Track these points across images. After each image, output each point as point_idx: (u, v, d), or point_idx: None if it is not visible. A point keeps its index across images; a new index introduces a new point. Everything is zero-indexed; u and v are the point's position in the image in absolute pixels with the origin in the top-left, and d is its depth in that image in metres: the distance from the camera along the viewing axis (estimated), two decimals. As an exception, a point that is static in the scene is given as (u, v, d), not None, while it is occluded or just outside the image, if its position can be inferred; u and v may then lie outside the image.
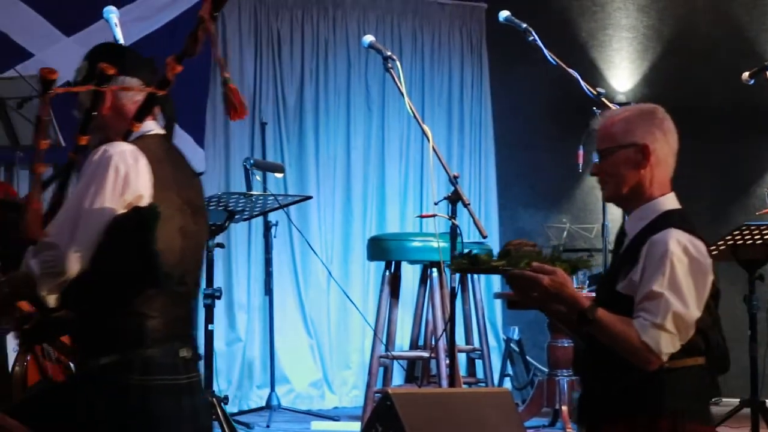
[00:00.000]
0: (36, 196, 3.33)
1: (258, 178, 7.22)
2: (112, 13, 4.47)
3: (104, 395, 3.35)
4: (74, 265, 3.28)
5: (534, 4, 8.26)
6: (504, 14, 5.82)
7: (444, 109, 9.11)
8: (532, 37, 5.71)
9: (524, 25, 5.75)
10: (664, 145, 3.46)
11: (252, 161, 7.19)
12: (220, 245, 6.41)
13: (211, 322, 6.21)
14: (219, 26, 8.28)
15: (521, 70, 8.81)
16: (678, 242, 3.33)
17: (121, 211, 3.29)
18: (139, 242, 3.29)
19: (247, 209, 6.38)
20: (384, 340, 6.80)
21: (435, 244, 6.38)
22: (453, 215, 5.14)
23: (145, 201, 3.33)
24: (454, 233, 5.09)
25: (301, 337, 8.46)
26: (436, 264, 6.66)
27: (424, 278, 7.07)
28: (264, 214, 7.05)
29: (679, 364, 3.35)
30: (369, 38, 5.64)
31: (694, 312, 3.32)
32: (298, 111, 8.62)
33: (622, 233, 3.61)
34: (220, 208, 6.19)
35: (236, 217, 6.32)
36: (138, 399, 3.34)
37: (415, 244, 6.91)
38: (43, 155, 3.38)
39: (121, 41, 4.42)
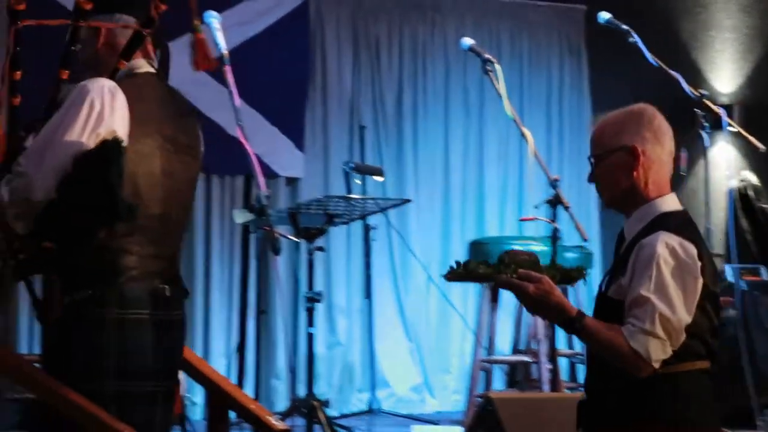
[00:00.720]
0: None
1: (357, 181, 7.23)
2: (213, 17, 4.48)
3: (80, 329, 3.39)
4: (38, 192, 3.29)
5: (634, 4, 8.17)
6: (605, 16, 5.76)
7: (543, 111, 9.05)
8: (632, 39, 5.65)
9: (624, 27, 5.69)
10: (656, 146, 3.42)
11: (352, 165, 7.20)
12: (320, 248, 6.43)
13: (312, 326, 6.23)
14: (317, 30, 8.32)
15: (621, 71, 8.71)
16: (666, 245, 3.29)
17: (91, 145, 3.31)
18: (101, 175, 3.30)
19: (347, 213, 6.39)
20: (485, 344, 6.76)
21: (535, 248, 6.34)
22: (553, 218, 5.11)
23: (119, 136, 3.35)
24: (554, 236, 5.06)
25: (400, 341, 8.45)
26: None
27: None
28: (363, 217, 7.06)
29: (676, 369, 3.30)
30: (468, 41, 5.62)
31: (683, 316, 3.27)
32: (397, 114, 8.62)
33: (621, 236, 3.55)
34: (320, 211, 6.20)
35: (336, 220, 6.33)
36: (113, 332, 3.38)
37: (516, 247, 6.87)
38: (16, 87, 3.41)
39: (223, 46, 4.43)
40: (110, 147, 3.34)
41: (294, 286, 8.07)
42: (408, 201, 7.35)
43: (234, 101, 4.31)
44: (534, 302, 3.32)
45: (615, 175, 3.44)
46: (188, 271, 7.88)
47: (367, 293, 7.85)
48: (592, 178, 3.51)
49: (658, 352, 3.24)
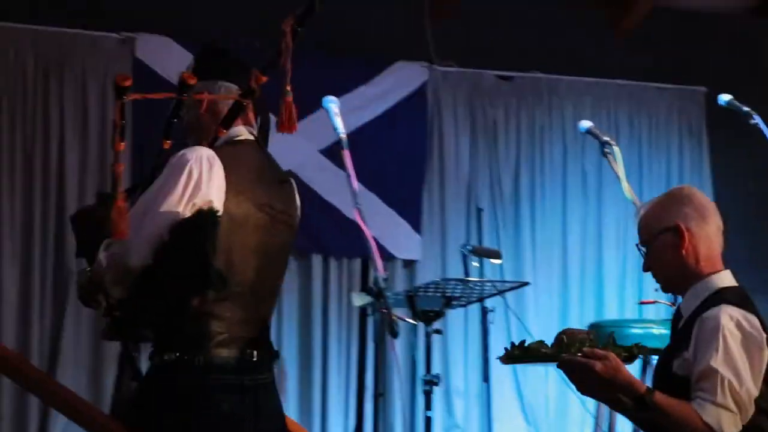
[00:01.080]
0: (120, 195, 3.41)
1: (475, 264, 7.20)
2: (331, 102, 4.54)
3: (167, 391, 3.45)
4: (135, 258, 3.37)
5: (756, 86, 8.08)
6: (725, 98, 5.69)
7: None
8: (754, 120, 5.58)
9: (746, 108, 5.62)
10: (699, 221, 3.45)
11: (469, 247, 7.18)
12: (438, 331, 6.40)
13: (429, 409, 6.19)
14: (434, 114, 8.36)
15: (743, 154, 8.58)
16: (730, 317, 3.27)
17: (188, 214, 3.37)
18: (195, 245, 3.36)
19: (465, 295, 6.36)
20: (605, 429, 6.65)
21: (656, 331, 6.24)
22: (674, 301, 5.02)
23: (215, 206, 3.41)
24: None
25: (519, 424, 8.35)
26: (656, 351, 6.50)
27: (645, 366, 6.91)
28: (481, 300, 7.02)
29: None
30: (586, 123, 5.60)
31: (752, 388, 3.23)
32: (514, 197, 8.60)
33: (678, 314, 3.53)
34: (438, 294, 6.19)
35: (453, 303, 6.31)
36: (199, 397, 3.42)
37: (635, 330, 6.76)
38: (119, 156, 3.47)
39: (341, 131, 4.48)
40: (205, 217, 3.40)
41: (411, 369, 8.04)
42: (526, 284, 7.29)
43: (352, 184, 4.35)
44: (602, 381, 3.23)
45: (665, 257, 3.46)
46: (306, 352, 7.91)
47: (485, 376, 7.77)
48: (645, 267, 3.53)
49: (730, 425, 3.20)
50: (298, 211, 3.76)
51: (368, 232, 4.25)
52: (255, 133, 3.72)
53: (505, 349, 3.72)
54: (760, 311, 3.43)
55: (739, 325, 3.27)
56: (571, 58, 8.69)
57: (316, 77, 7.80)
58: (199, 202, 3.43)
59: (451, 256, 8.27)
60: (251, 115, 3.73)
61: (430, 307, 6.18)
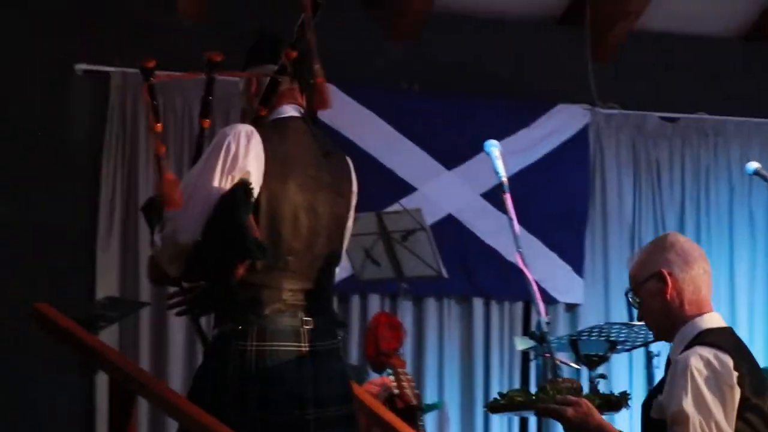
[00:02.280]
0: (166, 169, 3.62)
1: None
2: (493, 146, 4.52)
3: (225, 360, 3.58)
4: (184, 235, 3.52)
5: None
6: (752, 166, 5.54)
7: (833, 234, 8.70)
8: None
9: None
10: (683, 266, 3.53)
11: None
12: (602, 376, 6.30)
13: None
14: (596, 156, 8.29)
15: None
16: (700, 357, 3.32)
17: (227, 188, 3.54)
18: (232, 217, 3.50)
19: (629, 340, 6.26)
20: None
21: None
22: None
23: (253, 178, 3.57)
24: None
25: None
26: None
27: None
28: (646, 344, 6.89)
29: None
30: (753, 165, 5.48)
31: (725, 427, 3.26)
32: (679, 238, 8.44)
33: (668, 361, 3.51)
34: (602, 338, 6.10)
35: (618, 347, 6.21)
36: (254, 364, 3.55)
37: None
38: (160, 137, 3.80)
39: (503, 174, 4.46)
40: (238, 190, 3.54)
41: (574, 414, 7.93)
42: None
43: (514, 228, 4.32)
44: (573, 426, 3.36)
45: (652, 304, 3.53)
46: (468, 396, 7.88)
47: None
48: (639, 316, 3.61)
49: None
50: (353, 186, 3.90)
51: (530, 276, 4.22)
52: (302, 110, 3.84)
53: (494, 398, 3.78)
54: None
55: (708, 365, 3.31)
56: (738, 98, 8.54)
57: (477, 121, 7.83)
58: (237, 174, 3.58)
59: (614, 300, 8.17)
60: (298, 96, 3.87)
61: (593, 351, 6.09)
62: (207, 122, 3.95)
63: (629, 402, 3.74)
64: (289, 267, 3.67)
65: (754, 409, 3.33)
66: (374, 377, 6.12)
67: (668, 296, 3.51)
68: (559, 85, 8.26)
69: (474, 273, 7.85)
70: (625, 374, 8.19)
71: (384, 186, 7.66)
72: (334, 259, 3.86)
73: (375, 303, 7.68)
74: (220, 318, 3.69)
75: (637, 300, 3.59)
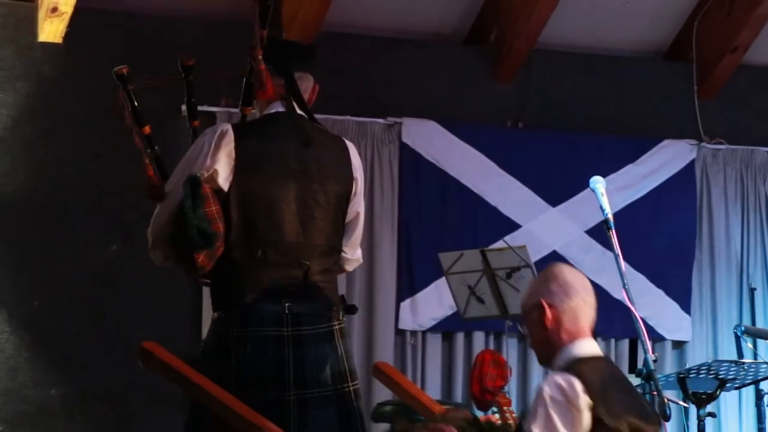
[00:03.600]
0: (149, 168, 4.04)
1: (749, 345, 6.99)
2: (598, 182, 4.50)
3: (215, 344, 3.87)
4: (154, 227, 3.90)
5: None
6: None
7: None
8: None
9: None
10: (563, 296, 3.70)
11: (742, 328, 6.98)
12: (711, 414, 6.23)
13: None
14: (703, 192, 8.19)
15: None
16: (554, 384, 3.52)
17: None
18: (182, 208, 3.78)
19: (739, 377, 6.18)
20: None
21: None
22: None
23: (221, 175, 3.84)
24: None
25: None
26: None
27: None
28: (756, 383, 6.79)
29: None
30: None
31: None
32: (791, 275, 8.32)
33: None
34: (711, 376, 6.03)
35: (727, 385, 6.13)
36: (234, 348, 3.80)
37: None
38: (152, 138, 4.14)
39: (608, 211, 4.43)
40: (184, 184, 3.80)
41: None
42: (804, 365, 7.00)
43: (619, 265, 4.29)
44: None
45: (534, 332, 3.74)
46: None
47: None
48: (529, 343, 3.85)
49: None
50: (352, 170, 4.04)
51: (636, 313, 4.19)
52: (293, 107, 4.04)
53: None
54: None
55: (559, 389, 3.50)
56: None
57: (582, 157, 7.79)
58: (206, 172, 3.84)
59: (722, 337, 8.06)
60: (281, 90, 4.07)
61: (702, 389, 6.03)
62: (196, 123, 4.23)
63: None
64: (268, 257, 3.87)
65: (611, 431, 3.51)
66: (479, 415, 6.10)
67: (548, 325, 3.68)
68: (665, 120, 8.21)
69: (579, 310, 7.79)
70: (735, 413, 8.06)
71: (488, 223, 7.66)
72: (329, 246, 4.00)
73: (480, 340, 7.66)
74: (213, 304, 3.99)
75: (525, 328, 3.79)
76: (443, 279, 6.87)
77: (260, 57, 4.04)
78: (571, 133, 8.02)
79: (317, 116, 7.38)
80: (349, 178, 4.06)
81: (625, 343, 7.97)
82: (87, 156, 6.98)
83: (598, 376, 3.57)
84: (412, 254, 7.59)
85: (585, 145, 7.92)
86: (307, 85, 4.15)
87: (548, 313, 3.70)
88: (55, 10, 6.77)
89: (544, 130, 7.97)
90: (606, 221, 4.41)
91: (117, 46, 6.98)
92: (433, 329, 7.60)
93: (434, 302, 7.53)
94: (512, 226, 7.72)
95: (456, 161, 7.71)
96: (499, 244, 7.09)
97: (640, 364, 4.52)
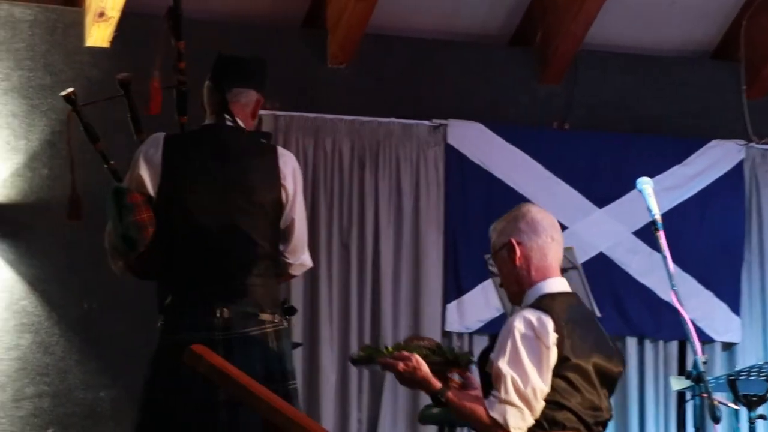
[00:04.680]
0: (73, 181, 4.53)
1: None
2: (645, 183, 4.47)
3: (154, 352, 4.07)
4: (108, 236, 4.19)
5: None
6: None
7: None
8: None
9: None
10: (531, 234, 3.80)
11: (793, 329, 6.94)
12: (762, 417, 6.17)
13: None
14: (752, 192, 8.13)
15: None
16: (524, 319, 3.60)
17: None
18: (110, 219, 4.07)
19: (790, 379, 6.12)
20: None
21: None
22: None
23: (147, 182, 4.04)
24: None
25: None
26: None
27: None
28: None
29: None
30: None
31: (538, 384, 3.53)
32: None
33: None
34: (761, 377, 5.98)
35: (777, 387, 6.08)
36: (167, 355, 3.95)
37: None
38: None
39: (655, 212, 4.41)
40: (110, 193, 4.08)
41: (732, 455, 7.78)
42: None
43: (668, 266, 4.26)
44: (403, 377, 3.75)
45: (504, 270, 3.82)
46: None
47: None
48: (500, 282, 3.93)
49: (517, 419, 3.54)
50: (281, 179, 4.12)
51: (685, 315, 4.15)
52: (228, 120, 4.19)
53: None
54: None
55: (529, 325, 3.59)
56: None
57: (629, 158, 7.76)
58: (134, 181, 4.07)
59: (773, 339, 8.00)
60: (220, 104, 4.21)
61: (753, 391, 5.98)
62: (142, 136, 4.35)
63: (471, 363, 3.97)
64: (194, 264, 4.01)
65: (575, 369, 3.59)
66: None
67: (517, 263, 3.76)
68: (713, 120, 8.15)
69: (627, 312, 7.77)
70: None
71: (534, 225, 7.63)
72: (259, 252, 4.08)
73: (527, 342, 7.63)
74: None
75: (494, 266, 3.88)
76: (490, 280, 6.86)
77: (182, 68, 4.29)
78: (617, 134, 7.98)
79: (361, 119, 7.51)
80: (277, 187, 4.14)
81: (674, 345, 7.92)
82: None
83: (567, 313, 3.65)
84: (458, 256, 7.59)
85: (632, 146, 7.89)
86: (247, 99, 4.26)
87: (517, 250, 3.78)
88: (102, 14, 6.83)
89: (590, 131, 7.94)
90: (654, 222, 4.38)
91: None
92: (480, 331, 7.59)
93: (481, 304, 7.52)
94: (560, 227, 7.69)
95: (501, 163, 7.69)
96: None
97: (689, 366, 4.49)
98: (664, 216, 4.52)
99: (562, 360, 3.57)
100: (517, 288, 3.79)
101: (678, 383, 6.57)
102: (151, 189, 4.07)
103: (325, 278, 7.41)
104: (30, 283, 6.84)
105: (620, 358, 3.82)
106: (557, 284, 3.79)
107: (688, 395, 6.82)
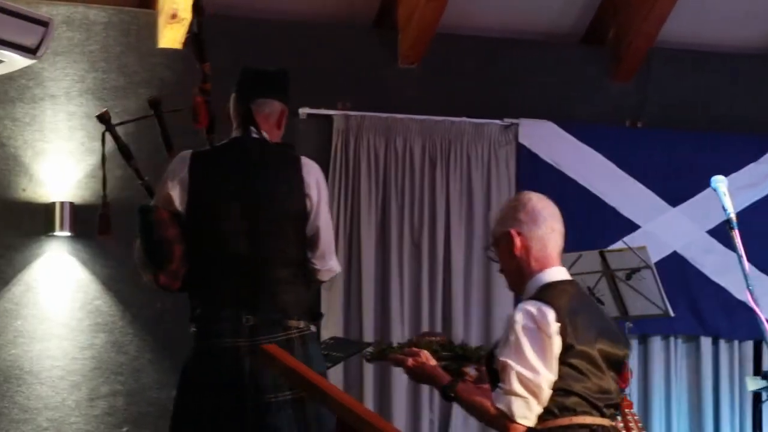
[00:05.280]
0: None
1: None
2: (719, 182, 4.42)
3: (185, 360, 4.22)
4: (137, 253, 4.33)
5: None
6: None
7: None
8: None
9: None
10: (532, 225, 3.76)
11: None
12: None
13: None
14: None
15: None
16: (525, 311, 3.61)
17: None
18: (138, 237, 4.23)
19: None
20: None
21: None
22: None
23: (175, 199, 4.15)
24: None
25: None
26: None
27: None
28: None
29: (553, 424, 3.59)
30: None
31: (544, 373, 3.55)
32: None
33: None
34: None
35: None
36: (197, 360, 4.13)
37: None
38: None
39: (730, 210, 4.36)
40: (137, 212, 4.22)
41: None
42: None
43: (743, 265, 4.21)
44: (413, 373, 3.83)
45: (504, 260, 3.81)
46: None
47: None
48: (500, 269, 3.87)
49: (522, 409, 3.56)
50: (306, 188, 4.22)
51: (761, 314, 4.11)
52: (253, 132, 4.28)
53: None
54: None
55: (530, 316, 3.59)
56: None
57: (703, 157, 7.69)
58: (161, 198, 4.19)
59: None
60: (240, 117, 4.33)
61: None
62: (173, 153, 4.51)
63: (481, 357, 3.97)
64: (222, 274, 4.13)
65: (581, 355, 3.60)
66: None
67: (517, 253, 3.75)
68: (789, 117, 8.06)
69: (701, 311, 7.69)
70: None
71: (607, 224, 7.60)
72: (287, 260, 4.18)
73: (599, 342, 7.59)
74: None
75: (495, 255, 3.85)
76: (561, 280, 6.82)
77: (208, 89, 4.35)
78: (691, 132, 7.91)
79: (432, 118, 7.51)
80: (301, 197, 4.22)
81: (749, 345, 7.83)
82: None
83: (568, 301, 3.66)
84: (529, 255, 7.55)
85: (706, 144, 7.81)
86: (271, 109, 4.34)
87: (517, 241, 3.76)
88: (174, 16, 6.90)
89: (663, 130, 7.87)
90: (728, 221, 4.34)
91: (233, 51, 7.07)
92: (552, 331, 7.55)
93: (553, 304, 7.48)
94: (631, 227, 7.65)
95: (573, 162, 7.66)
96: (619, 245, 7.03)
97: (765, 366, 4.44)
98: (739, 214, 4.48)
99: (567, 348, 3.60)
100: (518, 278, 3.79)
101: (754, 383, 6.52)
102: (179, 206, 4.18)
103: (396, 278, 7.41)
104: (104, 283, 6.91)
105: (626, 342, 3.83)
106: (557, 273, 3.77)
107: (765, 395, 6.76)
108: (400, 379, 7.32)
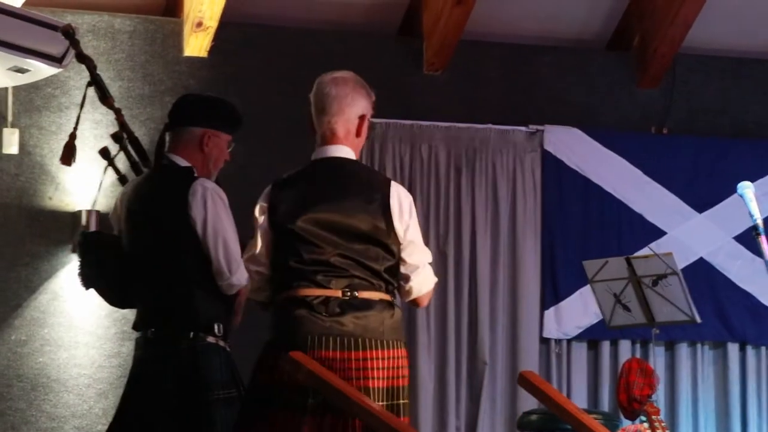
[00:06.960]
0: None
1: None
2: (746, 188, 4.41)
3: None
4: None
5: None
6: None
7: None
8: None
9: None
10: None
11: None
12: None
13: None
14: None
15: None
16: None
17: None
18: None
19: None
20: None
21: None
22: None
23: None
24: None
25: None
26: None
27: None
28: None
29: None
30: None
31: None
32: None
33: None
34: None
35: None
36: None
37: None
38: None
39: (757, 216, 4.34)
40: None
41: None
42: None
43: (770, 271, 4.20)
44: None
45: None
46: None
47: None
48: None
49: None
50: (188, 207, 4.38)
51: (788, 321, 4.09)
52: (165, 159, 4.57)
53: None
54: None
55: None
56: None
57: (729, 163, 7.67)
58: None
59: None
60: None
61: None
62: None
63: None
64: (138, 291, 4.55)
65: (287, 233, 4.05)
66: (627, 425, 6.03)
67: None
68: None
69: (728, 318, 7.67)
70: None
71: (633, 231, 7.60)
72: (173, 279, 4.46)
73: (626, 349, 7.58)
74: None
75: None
76: (588, 286, 6.82)
77: (122, 122, 4.98)
78: (717, 137, 7.88)
79: (457, 125, 7.51)
80: (183, 218, 4.40)
81: (776, 351, 7.82)
82: (232, 167, 7.09)
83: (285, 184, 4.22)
84: (555, 262, 7.55)
85: (732, 150, 7.79)
86: (190, 135, 4.58)
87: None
88: (200, 24, 6.92)
89: (689, 136, 7.85)
90: (755, 227, 4.33)
91: (260, 59, 7.10)
92: (578, 337, 7.55)
93: (579, 310, 7.48)
94: (657, 233, 7.63)
95: (599, 168, 7.64)
96: (645, 251, 7.02)
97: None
98: (766, 220, 4.46)
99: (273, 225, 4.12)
100: None
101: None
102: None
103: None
104: (131, 290, 6.93)
105: None
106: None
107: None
108: (425, 386, 7.32)
